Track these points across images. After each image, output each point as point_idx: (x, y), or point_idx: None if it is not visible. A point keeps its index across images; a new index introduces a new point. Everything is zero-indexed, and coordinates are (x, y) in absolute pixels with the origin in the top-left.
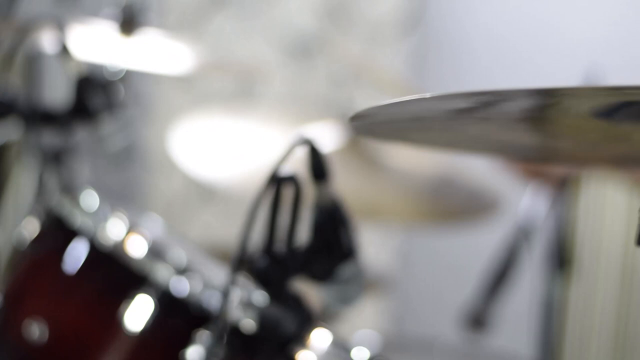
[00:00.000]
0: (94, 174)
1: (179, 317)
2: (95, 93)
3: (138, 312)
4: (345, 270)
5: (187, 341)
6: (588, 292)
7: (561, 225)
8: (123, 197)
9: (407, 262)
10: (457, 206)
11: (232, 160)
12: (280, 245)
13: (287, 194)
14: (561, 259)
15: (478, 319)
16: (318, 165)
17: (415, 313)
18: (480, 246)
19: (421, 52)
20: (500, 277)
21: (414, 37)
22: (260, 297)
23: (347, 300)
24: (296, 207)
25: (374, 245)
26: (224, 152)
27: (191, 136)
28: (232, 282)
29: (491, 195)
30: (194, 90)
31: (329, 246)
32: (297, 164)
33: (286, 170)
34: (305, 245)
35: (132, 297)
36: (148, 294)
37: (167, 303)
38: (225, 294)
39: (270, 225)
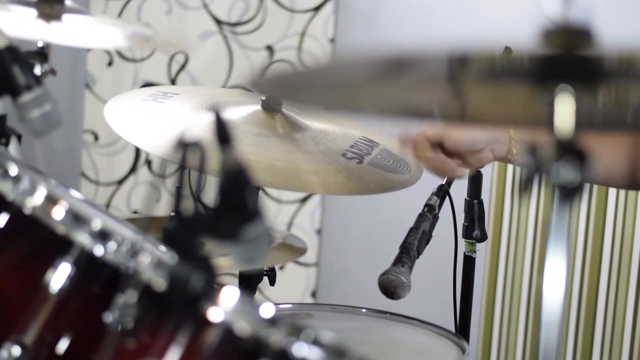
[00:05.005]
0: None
1: (97, 279)
2: (17, 64)
3: (58, 275)
4: (250, 230)
5: (106, 302)
6: (514, 262)
7: (477, 193)
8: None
9: (329, 231)
10: (379, 172)
11: (162, 130)
12: (187, 206)
13: (194, 158)
14: (479, 225)
15: (395, 285)
16: (222, 130)
17: (336, 281)
18: (404, 210)
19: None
20: (418, 241)
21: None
22: (169, 256)
23: (252, 259)
24: (202, 170)
25: (297, 215)
26: (154, 124)
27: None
28: (144, 243)
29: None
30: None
31: (234, 207)
32: (204, 130)
33: (191, 135)
34: (211, 207)
35: (51, 260)
36: (67, 256)
37: (86, 265)
38: (138, 255)
39: (178, 188)
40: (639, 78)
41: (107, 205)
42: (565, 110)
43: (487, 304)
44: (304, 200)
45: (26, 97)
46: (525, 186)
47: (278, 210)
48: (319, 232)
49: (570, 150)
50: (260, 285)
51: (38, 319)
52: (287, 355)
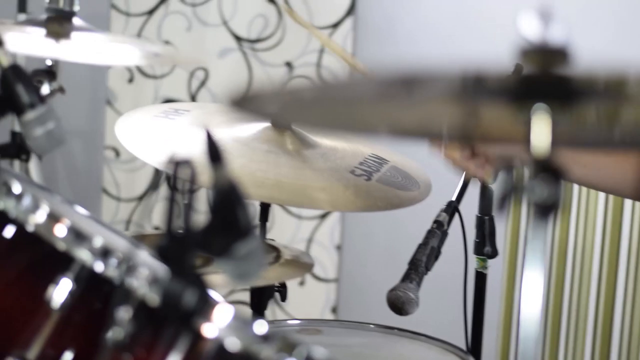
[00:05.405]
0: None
1: (99, 295)
2: (21, 83)
3: (59, 291)
4: (243, 247)
5: (108, 317)
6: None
7: (488, 209)
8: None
9: (349, 246)
10: (387, 189)
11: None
12: (180, 223)
13: (185, 176)
14: (490, 241)
15: (402, 301)
16: (213, 149)
17: (356, 297)
18: (425, 225)
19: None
20: (427, 257)
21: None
22: (163, 273)
23: (245, 276)
24: (193, 188)
25: (316, 230)
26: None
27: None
28: (144, 258)
29: (423, 176)
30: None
31: (226, 224)
32: (195, 148)
33: (182, 154)
34: (203, 224)
35: (54, 276)
36: (70, 273)
37: (87, 281)
38: (136, 271)
39: (170, 205)
40: (617, 97)
41: (128, 221)
42: (541, 129)
43: (504, 321)
44: (323, 216)
45: (30, 115)
46: (501, 203)
47: (298, 227)
48: (339, 247)
49: (546, 169)
50: (279, 301)
51: (41, 335)
52: None
